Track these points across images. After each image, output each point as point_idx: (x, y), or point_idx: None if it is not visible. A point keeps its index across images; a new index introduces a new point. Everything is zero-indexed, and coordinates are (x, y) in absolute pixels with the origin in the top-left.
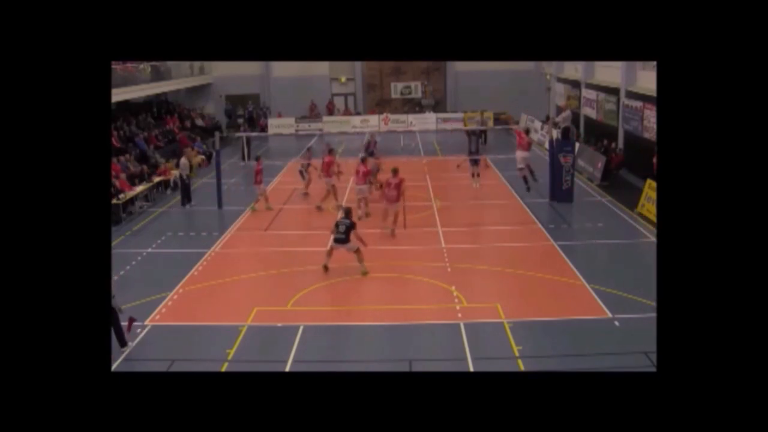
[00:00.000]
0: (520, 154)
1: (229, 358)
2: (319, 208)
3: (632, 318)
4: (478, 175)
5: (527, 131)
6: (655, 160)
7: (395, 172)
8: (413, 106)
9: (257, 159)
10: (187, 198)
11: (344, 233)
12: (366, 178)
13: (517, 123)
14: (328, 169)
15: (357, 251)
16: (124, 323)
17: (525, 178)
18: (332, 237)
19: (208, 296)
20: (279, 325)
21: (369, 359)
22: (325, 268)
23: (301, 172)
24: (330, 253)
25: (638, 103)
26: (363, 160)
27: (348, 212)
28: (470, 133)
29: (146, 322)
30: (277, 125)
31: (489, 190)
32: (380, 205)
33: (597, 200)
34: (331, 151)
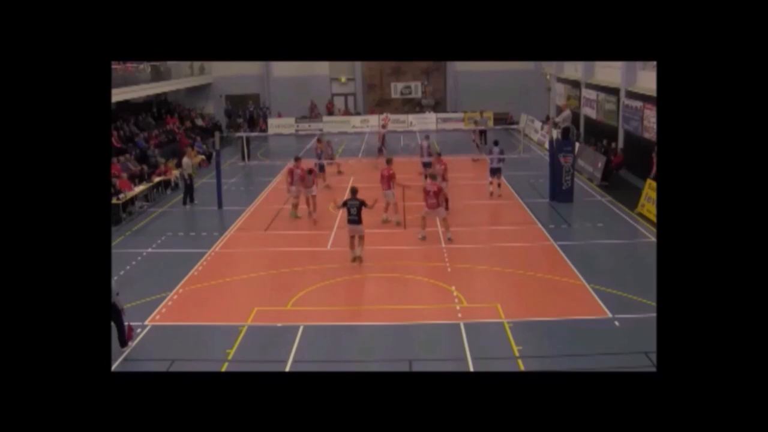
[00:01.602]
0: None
1: (229, 358)
2: (314, 222)
3: (632, 318)
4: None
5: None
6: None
7: (433, 177)
8: (413, 106)
9: (296, 159)
10: (190, 197)
11: (356, 215)
12: (390, 183)
13: (517, 123)
14: (301, 178)
15: (361, 237)
16: (126, 323)
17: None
18: (346, 221)
19: (208, 296)
20: (279, 325)
21: (369, 359)
22: (354, 259)
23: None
24: (352, 243)
25: (638, 103)
26: (388, 162)
27: (354, 191)
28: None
29: (146, 322)
30: (277, 125)
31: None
32: (418, 214)
33: (597, 200)
34: (297, 160)
